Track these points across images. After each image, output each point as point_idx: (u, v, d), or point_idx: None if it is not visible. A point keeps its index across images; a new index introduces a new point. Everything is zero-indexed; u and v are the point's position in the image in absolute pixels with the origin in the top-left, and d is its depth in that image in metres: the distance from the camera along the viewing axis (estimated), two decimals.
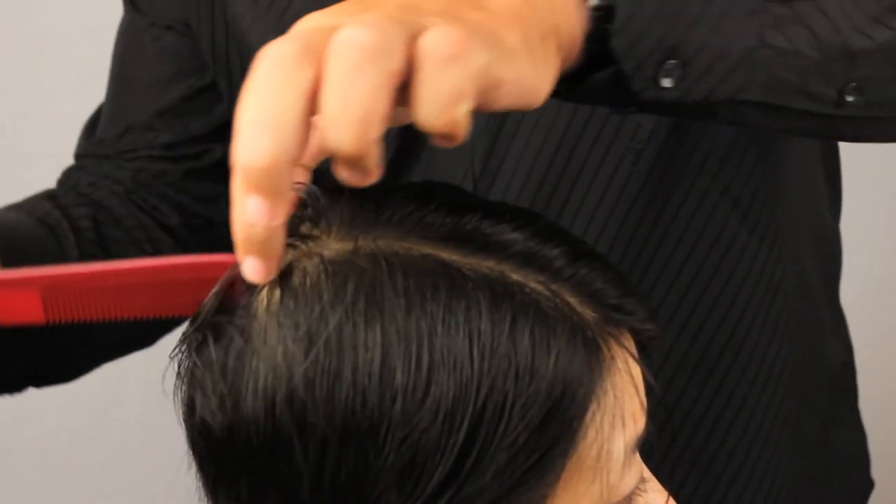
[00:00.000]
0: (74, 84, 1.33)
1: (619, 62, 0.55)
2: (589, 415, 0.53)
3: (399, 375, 0.51)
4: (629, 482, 0.56)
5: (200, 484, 0.56)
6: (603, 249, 0.75)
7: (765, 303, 0.79)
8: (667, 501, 0.59)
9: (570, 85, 0.56)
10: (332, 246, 0.54)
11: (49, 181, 0.91)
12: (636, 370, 0.56)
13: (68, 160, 0.94)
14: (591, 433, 0.54)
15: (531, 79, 0.50)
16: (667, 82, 0.56)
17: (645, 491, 0.58)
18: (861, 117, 0.61)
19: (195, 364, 0.54)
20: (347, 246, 0.53)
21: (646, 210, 0.76)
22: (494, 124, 0.76)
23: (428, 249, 0.53)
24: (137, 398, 1.56)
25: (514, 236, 0.55)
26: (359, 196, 0.56)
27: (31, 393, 0.81)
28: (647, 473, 0.59)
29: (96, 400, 1.61)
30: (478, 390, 0.51)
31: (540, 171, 0.76)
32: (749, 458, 0.80)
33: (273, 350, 0.52)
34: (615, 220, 0.76)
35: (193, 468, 0.56)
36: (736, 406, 0.80)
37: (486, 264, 0.54)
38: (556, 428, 0.52)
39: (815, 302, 0.85)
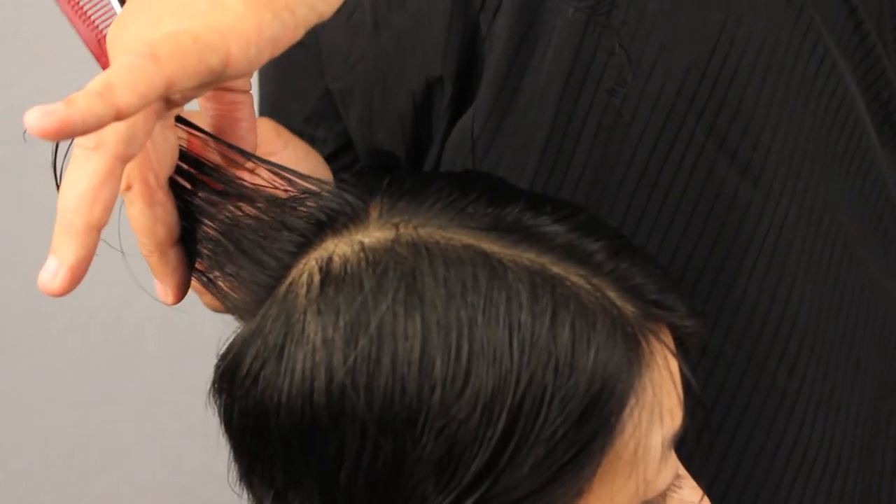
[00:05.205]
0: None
1: None
2: (627, 410, 0.53)
3: (438, 365, 0.51)
4: (665, 478, 0.56)
5: (235, 469, 0.56)
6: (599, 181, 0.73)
7: (765, 251, 0.74)
8: (701, 499, 0.59)
9: None
10: (373, 234, 0.53)
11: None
12: (675, 366, 0.56)
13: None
14: (629, 428, 0.53)
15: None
16: None
17: (680, 487, 0.58)
18: None
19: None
20: (388, 234, 0.53)
21: (631, 160, 0.73)
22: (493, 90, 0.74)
23: (469, 240, 0.53)
24: (177, 384, 1.55)
25: (555, 228, 0.55)
26: (400, 183, 0.56)
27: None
28: (683, 471, 0.59)
29: (131, 392, 1.62)
30: (517, 382, 0.51)
31: (534, 117, 0.73)
32: (774, 427, 0.75)
33: (313, 337, 0.52)
34: (604, 163, 0.73)
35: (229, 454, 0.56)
36: (741, 366, 0.75)
37: (527, 256, 0.53)
38: (594, 422, 0.52)
39: (861, 262, 0.80)
